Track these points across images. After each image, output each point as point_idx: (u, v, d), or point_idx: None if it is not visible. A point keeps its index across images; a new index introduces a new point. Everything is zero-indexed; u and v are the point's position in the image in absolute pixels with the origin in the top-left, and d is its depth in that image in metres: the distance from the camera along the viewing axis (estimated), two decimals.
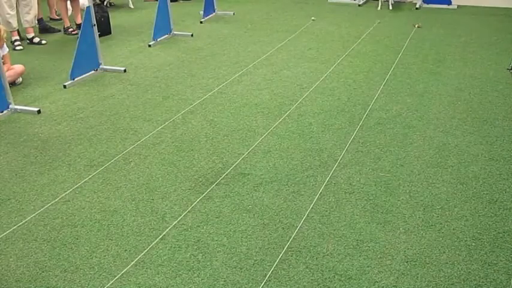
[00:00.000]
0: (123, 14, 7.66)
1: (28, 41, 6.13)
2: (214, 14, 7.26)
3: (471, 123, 3.85)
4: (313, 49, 5.71)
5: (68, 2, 6.49)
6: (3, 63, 4.28)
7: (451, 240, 2.59)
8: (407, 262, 2.45)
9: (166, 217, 2.83)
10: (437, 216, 2.78)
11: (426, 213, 2.81)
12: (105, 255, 2.54)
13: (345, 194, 3.00)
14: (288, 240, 2.61)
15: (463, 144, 3.54)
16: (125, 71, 5.13)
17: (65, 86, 4.74)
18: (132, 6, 7.93)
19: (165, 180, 3.19)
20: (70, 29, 6.52)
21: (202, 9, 7.03)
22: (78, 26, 6.11)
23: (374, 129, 3.78)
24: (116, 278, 2.38)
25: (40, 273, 2.42)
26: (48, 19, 7.13)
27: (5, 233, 2.72)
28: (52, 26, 6.66)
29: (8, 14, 5.76)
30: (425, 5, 7.51)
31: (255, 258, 2.50)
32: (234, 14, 7.34)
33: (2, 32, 4.68)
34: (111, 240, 2.66)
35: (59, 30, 6.61)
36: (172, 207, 2.91)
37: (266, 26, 6.78)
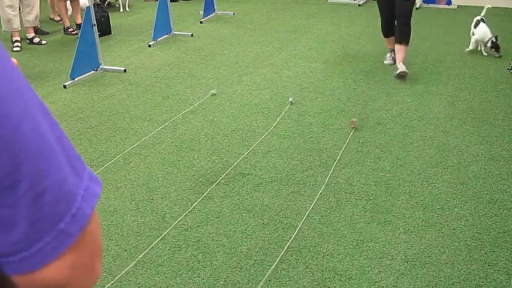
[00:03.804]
0: (123, 14, 7.66)
1: (28, 41, 6.12)
2: (214, 14, 7.26)
3: (471, 123, 3.85)
4: (313, 49, 5.71)
5: (68, 2, 6.49)
6: None
7: (451, 240, 2.59)
8: (407, 262, 2.45)
9: (166, 217, 2.83)
10: (437, 216, 2.78)
11: (426, 213, 2.81)
12: (105, 255, 2.54)
13: (345, 194, 3.00)
14: (288, 240, 2.61)
15: (463, 144, 3.54)
16: (125, 71, 5.13)
17: (65, 86, 4.74)
18: (127, 9, 7.87)
19: (165, 180, 3.19)
20: (70, 29, 6.51)
21: (202, 9, 7.03)
22: (78, 26, 6.11)
23: (374, 129, 3.78)
24: (116, 278, 2.38)
25: None
26: (48, 19, 7.12)
27: None
28: (41, 28, 6.57)
29: (9, 14, 5.76)
30: (425, 5, 7.52)
31: (255, 258, 2.50)
32: (234, 14, 7.35)
33: None
34: (111, 240, 2.65)
35: (48, 33, 6.54)
36: (172, 207, 2.91)
37: (266, 26, 6.78)
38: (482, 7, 5.57)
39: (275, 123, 3.92)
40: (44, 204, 0.50)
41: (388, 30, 5.01)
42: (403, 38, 4.80)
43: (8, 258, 0.50)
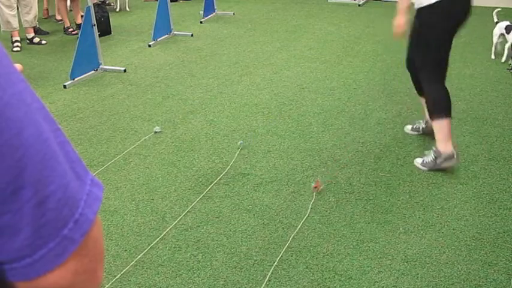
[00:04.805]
0: (123, 14, 7.66)
1: (28, 41, 6.12)
2: (214, 14, 7.26)
3: (471, 123, 3.84)
4: (313, 49, 5.71)
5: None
6: None
7: (451, 240, 2.59)
8: (407, 262, 2.45)
9: (166, 217, 2.83)
10: (437, 216, 2.78)
11: (426, 213, 2.81)
12: (105, 256, 2.53)
13: (345, 194, 3.00)
14: (288, 240, 2.61)
15: (463, 144, 3.53)
16: (125, 71, 5.13)
17: (65, 86, 4.74)
18: (127, 9, 7.84)
19: (165, 180, 3.19)
20: (70, 29, 6.51)
21: (202, 9, 7.03)
22: (78, 26, 6.11)
23: (374, 129, 3.78)
24: (116, 278, 2.38)
25: None
26: (44, 18, 7.10)
27: None
28: (41, 28, 6.58)
29: (8, 14, 5.76)
30: None
31: (255, 258, 2.50)
32: (234, 14, 7.35)
33: None
34: (111, 240, 2.65)
35: (48, 32, 6.56)
36: (172, 207, 2.91)
37: (266, 26, 6.78)
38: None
39: (275, 123, 3.92)
40: (48, 210, 0.50)
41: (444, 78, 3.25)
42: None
43: (12, 264, 0.50)
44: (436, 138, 3.16)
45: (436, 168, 3.16)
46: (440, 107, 3.13)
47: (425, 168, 3.20)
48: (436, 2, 2.98)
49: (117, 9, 7.69)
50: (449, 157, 3.10)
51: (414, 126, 3.68)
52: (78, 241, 0.52)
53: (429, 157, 3.19)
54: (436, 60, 3.17)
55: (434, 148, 3.17)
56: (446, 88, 3.18)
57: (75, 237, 0.52)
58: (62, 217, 0.51)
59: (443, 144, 3.11)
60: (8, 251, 0.49)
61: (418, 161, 3.26)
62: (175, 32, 6.34)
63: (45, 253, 0.50)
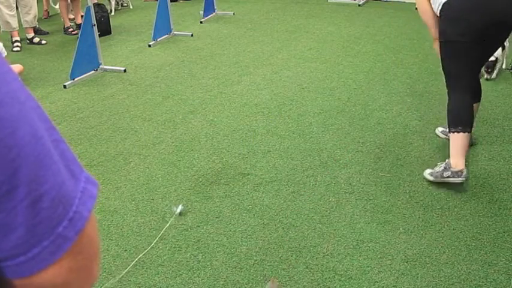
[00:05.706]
0: (123, 14, 7.66)
1: (28, 41, 6.13)
2: (214, 14, 7.26)
3: None
4: (313, 49, 5.71)
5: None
6: None
7: (451, 240, 2.59)
8: (407, 262, 2.45)
9: (166, 217, 2.83)
10: (437, 216, 2.78)
11: (426, 213, 2.81)
12: (105, 255, 2.54)
13: (345, 194, 3.00)
14: (288, 240, 2.61)
15: None
16: (125, 71, 5.13)
17: (65, 86, 4.74)
18: (127, 5, 7.81)
19: (165, 180, 3.19)
20: (70, 29, 6.52)
21: (202, 9, 7.03)
22: (78, 26, 6.11)
23: (374, 129, 3.78)
24: (116, 278, 2.38)
25: None
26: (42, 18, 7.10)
27: None
28: (41, 28, 6.58)
29: (7, 14, 5.76)
30: None
31: (255, 258, 2.50)
32: (234, 14, 7.35)
33: None
34: (111, 240, 2.66)
35: (47, 32, 6.56)
36: (172, 207, 2.91)
37: (266, 26, 6.78)
38: None
39: (275, 123, 3.91)
40: (42, 209, 0.49)
41: (475, 93, 3.11)
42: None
43: (6, 262, 0.50)
44: (450, 151, 3.02)
45: (441, 181, 3.02)
46: (455, 120, 2.96)
47: (432, 178, 3.05)
48: (444, 2, 2.88)
49: (112, 13, 7.50)
50: (457, 174, 2.94)
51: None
52: (72, 239, 0.52)
53: (439, 167, 3.06)
54: (451, 70, 3.02)
55: (446, 160, 3.05)
56: (467, 100, 2.98)
57: (70, 235, 0.52)
58: (56, 215, 0.51)
59: (455, 160, 2.96)
60: (2, 250, 0.49)
61: (427, 171, 3.11)
62: (175, 32, 6.35)
63: (39, 251, 0.50)
